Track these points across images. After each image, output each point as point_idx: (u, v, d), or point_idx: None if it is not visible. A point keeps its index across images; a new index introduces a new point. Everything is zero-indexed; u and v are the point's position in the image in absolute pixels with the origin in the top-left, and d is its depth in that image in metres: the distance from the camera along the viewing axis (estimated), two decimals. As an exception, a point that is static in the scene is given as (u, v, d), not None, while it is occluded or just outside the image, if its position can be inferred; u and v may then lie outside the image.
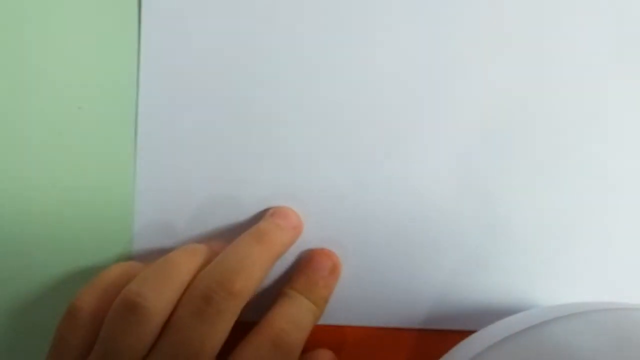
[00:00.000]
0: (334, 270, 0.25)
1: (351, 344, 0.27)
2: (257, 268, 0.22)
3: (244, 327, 0.25)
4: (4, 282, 0.27)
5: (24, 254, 0.27)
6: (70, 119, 0.27)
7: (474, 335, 0.23)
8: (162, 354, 0.20)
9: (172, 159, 0.27)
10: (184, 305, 0.21)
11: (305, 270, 0.25)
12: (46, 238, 0.27)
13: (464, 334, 0.23)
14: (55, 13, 0.27)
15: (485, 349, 0.21)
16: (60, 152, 0.27)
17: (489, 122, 0.26)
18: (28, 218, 0.27)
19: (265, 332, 0.22)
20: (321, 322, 0.26)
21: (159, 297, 0.21)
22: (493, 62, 0.26)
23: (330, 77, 0.26)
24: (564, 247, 0.26)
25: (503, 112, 0.26)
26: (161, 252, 0.26)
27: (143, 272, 0.22)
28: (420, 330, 0.26)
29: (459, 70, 0.26)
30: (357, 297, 0.26)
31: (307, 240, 0.26)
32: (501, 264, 0.26)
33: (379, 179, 0.26)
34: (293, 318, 0.23)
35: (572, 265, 0.26)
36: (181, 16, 0.27)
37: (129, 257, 0.27)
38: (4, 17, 0.27)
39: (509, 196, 0.26)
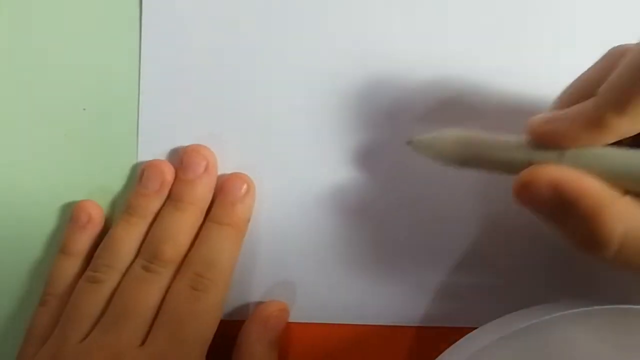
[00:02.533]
0: (249, 190, 0.26)
1: (350, 342, 0.26)
2: (182, 233, 0.25)
3: (237, 325, 0.26)
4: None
5: (26, 256, 0.27)
6: (75, 121, 0.27)
7: (474, 332, 0.23)
8: (112, 311, 0.24)
9: (173, 159, 0.27)
10: (128, 274, 0.25)
11: (220, 198, 0.26)
12: (49, 239, 0.27)
13: (463, 331, 0.23)
14: (58, 17, 0.28)
15: (485, 346, 0.21)
16: (64, 153, 0.27)
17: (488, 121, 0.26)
18: (30, 218, 0.27)
19: (182, 279, 0.24)
20: (320, 320, 0.26)
21: (107, 269, 0.25)
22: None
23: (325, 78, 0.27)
24: (562, 246, 0.26)
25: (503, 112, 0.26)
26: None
27: (97, 253, 0.26)
28: (419, 328, 0.26)
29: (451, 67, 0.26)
30: (356, 296, 0.26)
31: (307, 239, 0.26)
32: (500, 262, 0.26)
33: (379, 178, 0.26)
34: (209, 256, 0.25)
35: (570, 263, 0.26)
36: (181, 20, 0.27)
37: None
38: (8, 20, 0.28)
39: (508, 195, 0.26)
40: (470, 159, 0.20)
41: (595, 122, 0.17)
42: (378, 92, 0.26)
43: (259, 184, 0.26)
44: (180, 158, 0.26)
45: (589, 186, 0.17)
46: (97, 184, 0.27)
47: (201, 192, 0.26)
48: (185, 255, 0.25)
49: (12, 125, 0.27)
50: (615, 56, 0.19)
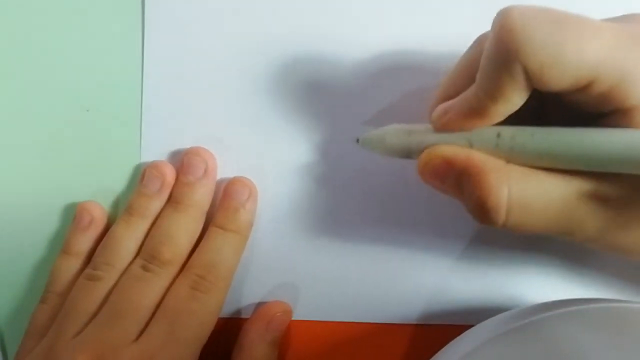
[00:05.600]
0: (252, 194, 0.26)
1: (349, 340, 0.27)
2: (181, 235, 0.25)
3: (238, 324, 0.26)
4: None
5: (29, 255, 0.28)
6: (78, 122, 0.27)
7: (470, 330, 0.23)
8: (108, 308, 0.24)
9: (176, 161, 0.27)
10: (126, 273, 0.25)
11: (223, 204, 0.26)
12: (52, 239, 0.28)
13: (460, 328, 0.23)
14: (61, 18, 0.28)
15: (481, 344, 0.21)
16: (68, 154, 0.27)
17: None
18: (34, 218, 0.27)
19: (183, 280, 0.25)
20: (317, 318, 0.27)
21: (106, 267, 0.25)
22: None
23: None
24: (561, 244, 0.26)
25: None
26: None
27: (97, 251, 0.26)
28: (417, 326, 0.26)
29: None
30: (355, 294, 0.26)
31: (308, 239, 0.27)
32: (497, 260, 0.26)
33: (378, 180, 0.26)
34: (211, 259, 0.25)
35: (566, 262, 0.26)
36: (184, 22, 0.27)
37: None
38: (11, 22, 0.28)
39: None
40: (414, 148, 0.21)
41: (479, 112, 0.19)
42: (383, 95, 0.26)
43: (260, 186, 0.27)
44: (181, 160, 0.26)
45: (474, 157, 0.19)
46: (99, 185, 0.27)
47: (200, 195, 0.26)
48: (185, 258, 0.25)
49: (16, 126, 0.27)
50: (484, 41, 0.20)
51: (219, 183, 0.27)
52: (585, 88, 0.18)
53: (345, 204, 0.27)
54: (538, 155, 0.18)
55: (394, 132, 0.22)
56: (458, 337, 0.23)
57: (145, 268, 0.25)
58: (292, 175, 0.27)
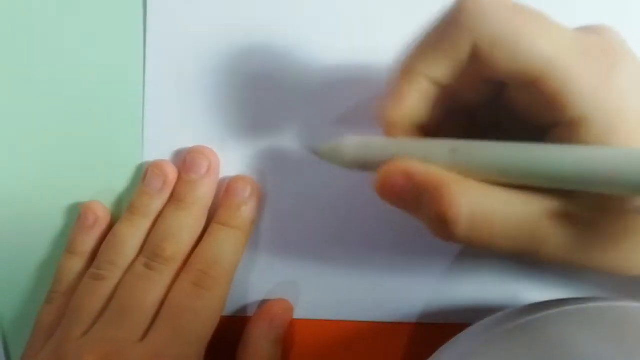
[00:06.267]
0: (254, 192, 0.26)
1: (350, 338, 0.27)
2: (183, 232, 0.25)
3: (241, 322, 0.26)
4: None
5: (33, 255, 0.28)
6: (80, 122, 0.27)
7: (469, 329, 0.23)
8: (113, 306, 0.24)
9: (178, 160, 0.27)
10: (130, 271, 0.25)
11: (225, 201, 0.26)
12: (56, 239, 0.28)
13: (459, 327, 0.24)
14: (63, 18, 0.28)
15: (480, 343, 0.21)
16: (70, 154, 0.28)
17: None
18: (38, 219, 0.28)
19: (186, 276, 0.25)
20: (319, 317, 0.27)
21: (110, 266, 0.25)
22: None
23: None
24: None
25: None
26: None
27: (100, 251, 0.26)
28: (417, 324, 0.27)
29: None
30: (356, 293, 0.27)
31: (309, 239, 0.27)
32: (495, 259, 0.26)
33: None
34: (213, 255, 0.25)
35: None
36: (185, 21, 0.27)
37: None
38: (14, 23, 0.28)
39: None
40: (370, 162, 0.20)
41: (408, 70, 0.19)
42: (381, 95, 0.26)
43: (262, 184, 0.27)
44: (183, 158, 0.26)
45: (434, 171, 0.18)
46: (102, 184, 0.27)
47: (203, 192, 0.26)
48: (188, 255, 0.25)
49: (18, 127, 0.27)
50: None
51: (220, 182, 0.27)
52: (530, 85, 0.18)
53: (347, 203, 0.27)
54: (496, 171, 0.18)
55: (349, 144, 0.21)
56: (457, 336, 0.23)
57: (148, 266, 0.25)
58: (293, 175, 0.27)
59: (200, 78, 0.27)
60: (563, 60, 0.17)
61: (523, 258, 0.20)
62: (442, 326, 0.26)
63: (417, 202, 0.19)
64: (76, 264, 0.26)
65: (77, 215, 0.27)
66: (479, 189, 0.18)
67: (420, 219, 0.19)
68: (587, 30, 0.19)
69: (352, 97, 0.27)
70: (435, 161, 0.19)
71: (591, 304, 0.21)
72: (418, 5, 0.26)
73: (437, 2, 0.19)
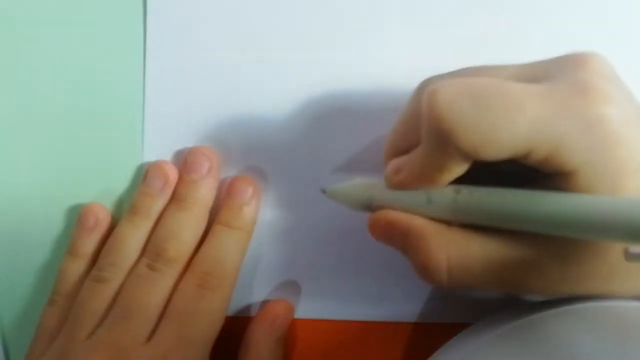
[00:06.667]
0: (255, 192, 0.26)
1: (350, 337, 0.27)
2: (185, 232, 0.25)
3: (243, 322, 0.26)
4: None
5: (34, 257, 0.28)
6: (80, 123, 0.27)
7: (469, 329, 0.23)
8: (117, 309, 0.24)
9: (178, 161, 0.27)
10: (132, 273, 0.25)
11: (227, 201, 0.26)
12: (57, 241, 0.28)
13: (460, 327, 0.24)
14: (64, 19, 0.27)
15: (481, 342, 0.21)
16: (71, 156, 0.27)
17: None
18: (38, 221, 0.27)
19: (189, 278, 0.25)
20: (320, 317, 0.27)
21: (112, 268, 0.25)
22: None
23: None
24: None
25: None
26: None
27: (102, 253, 0.26)
28: (418, 324, 0.27)
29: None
30: (356, 293, 0.27)
31: (310, 239, 0.27)
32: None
33: (379, 178, 0.26)
34: (216, 256, 0.25)
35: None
36: (186, 21, 0.27)
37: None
38: (14, 23, 0.28)
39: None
40: (374, 204, 0.21)
41: (428, 178, 0.19)
42: (384, 94, 0.26)
43: (263, 185, 0.27)
44: (184, 159, 0.26)
45: (415, 222, 0.20)
46: (103, 186, 0.27)
47: (204, 193, 0.26)
48: (190, 255, 0.25)
49: (19, 129, 0.27)
50: (424, 90, 0.20)
51: (221, 183, 0.27)
52: (524, 157, 0.18)
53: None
54: (496, 215, 0.19)
55: (356, 187, 0.22)
56: (457, 336, 0.23)
57: (150, 267, 0.25)
58: (295, 174, 0.27)
59: (201, 78, 0.27)
60: (544, 129, 0.17)
61: (510, 293, 0.22)
62: (442, 326, 0.26)
63: (402, 248, 0.20)
64: (78, 266, 0.26)
65: (77, 216, 0.27)
66: (460, 238, 0.19)
67: (410, 262, 0.20)
68: (568, 63, 0.19)
69: (353, 96, 0.27)
70: (437, 201, 0.20)
71: (591, 304, 0.21)
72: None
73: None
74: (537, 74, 0.19)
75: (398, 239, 0.20)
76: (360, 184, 0.22)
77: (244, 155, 0.27)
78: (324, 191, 0.23)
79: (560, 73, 0.19)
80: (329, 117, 0.27)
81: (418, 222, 0.20)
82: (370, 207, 0.22)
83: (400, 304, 0.27)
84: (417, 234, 0.19)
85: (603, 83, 0.18)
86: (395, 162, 0.21)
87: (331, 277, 0.27)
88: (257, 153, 0.27)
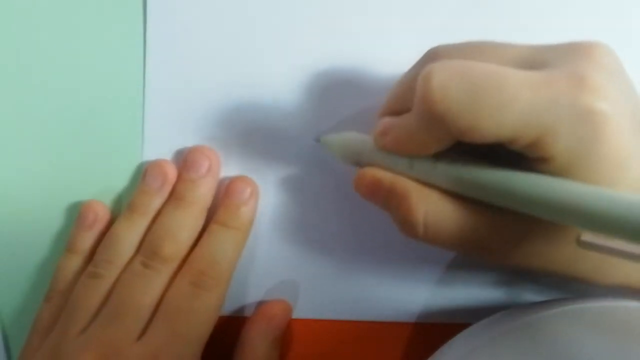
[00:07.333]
0: (253, 193, 0.26)
1: (349, 338, 0.27)
2: (182, 231, 0.25)
3: (239, 322, 0.26)
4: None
5: (33, 254, 0.28)
6: (81, 122, 0.27)
7: (469, 329, 0.23)
8: (110, 305, 0.24)
9: (178, 160, 0.27)
10: (127, 270, 0.25)
11: (225, 201, 0.26)
12: (56, 237, 0.28)
13: (459, 327, 0.24)
14: (64, 19, 0.28)
15: (480, 342, 0.21)
16: (70, 154, 0.28)
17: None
18: (38, 218, 0.28)
19: (184, 276, 0.25)
20: (318, 316, 0.27)
21: (107, 265, 0.25)
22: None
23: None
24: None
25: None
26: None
27: (98, 249, 0.26)
28: (417, 324, 0.27)
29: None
30: (355, 293, 0.27)
31: (308, 238, 0.27)
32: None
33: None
34: (212, 255, 0.25)
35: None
36: (186, 21, 0.27)
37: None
38: (14, 23, 0.28)
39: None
40: (363, 159, 0.22)
41: (411, 149, 0.21)
42: (385, 94, 0.26)
43: (262, 185, 0.27)
44: (184, 158, 0.26)
45: (398, 181, 0.21)
46: (102, 184, 0.27)
47: (203, 192, 0.26)
48: (186, 254, 0.25)
49: (18, 127, 0.27)
50: (430, 58, 0.21)
51: (220, 182, 0.27)
52: (509, 143, 0.18)
53: (346, 203, 0.27)
54: (470, 186, 0.20)
55: (348, 140, 0.23)
56: (457, 336, 0.23)
57: (145, 265, 0.25)
58: (293, 174, 0.27)
59: (201, 77, 0.27)
60: (532, 119, 0.18)
61: (474, 256, 0.24)
62: (442, 326, 0.26)
63: (385, 203, 0.22)
64: (75, 262, 0.26)
65: (77, 214, 0.27)
66: (436, 199, 0.21)
67: (390, 216, 0.22)
68: (571, 51, 0.19)
69: (353, 97, 0.27)
70: (418, 166, 0.21)
71: (591, 304, 0.21)
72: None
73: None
74: (539, 58, 0.19)
75: (382, 195, 0.22)
76: (352, 137, 0.23)
77: (244, 155, 0.27)
78: (318, 140, 0.24)
79: (561, 61, 0.19)
80: (330, 117, 0.27)
81: (401, 181, 0.21)
82: (359, 162, 0.23)
83: (400, 304, 0.27)
84: (400, 192, 0.21)
85: (601, 76, 0.18)
86: (383, 123, 0.22)
87: (330, 277, 0.27)
88: (257, 153, 0.27)
